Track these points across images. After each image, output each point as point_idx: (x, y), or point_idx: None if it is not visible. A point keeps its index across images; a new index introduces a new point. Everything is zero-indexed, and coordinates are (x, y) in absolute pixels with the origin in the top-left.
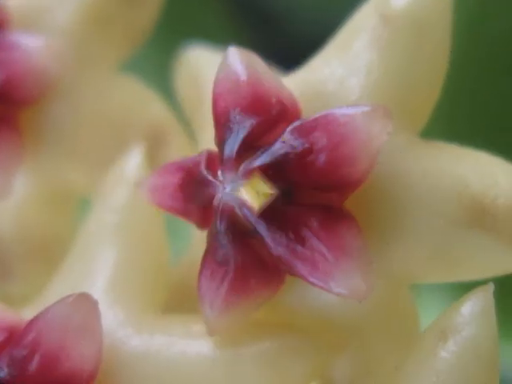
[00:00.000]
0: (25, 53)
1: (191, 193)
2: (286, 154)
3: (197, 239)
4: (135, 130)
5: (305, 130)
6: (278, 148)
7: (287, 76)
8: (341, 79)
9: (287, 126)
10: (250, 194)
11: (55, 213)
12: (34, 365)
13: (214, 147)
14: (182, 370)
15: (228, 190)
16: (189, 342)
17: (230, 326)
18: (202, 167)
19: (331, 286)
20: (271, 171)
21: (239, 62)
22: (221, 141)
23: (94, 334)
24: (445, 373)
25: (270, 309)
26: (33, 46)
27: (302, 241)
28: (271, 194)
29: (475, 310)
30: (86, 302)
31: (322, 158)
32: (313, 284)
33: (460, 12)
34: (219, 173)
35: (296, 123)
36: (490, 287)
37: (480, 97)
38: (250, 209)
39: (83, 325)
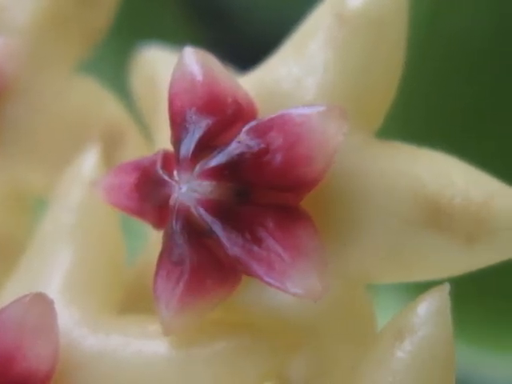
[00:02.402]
0: None
1: (147, 192)
2: (241, 154)
3: (153, 239)
4: (92, 130)
5: (261, 130)
6: (233, 148)
7: (243, 76)
8: (297, 79)
9: (243, 126)
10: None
11: (11, 213)
12: None
13: (170, 147)
14: (137, 369)
15: (184, 189)
16: (145, 342)
17: (186, 326)
18: (158, 167)
19: (287, 286)
20: (227, 171)
21: (195, 61)
22: (177, 140)
23: (50, 334)
24: (401, 373)
25: (226, 309)
26: None
27: (258, 241)
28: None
29: (431, 309)
30: (41, 301)
31: (278, 157)
32: (269, 284)
33: (415, 12)
34: (175, 173)
35: (252, 123)
36: (446, 287)
37: (435, 97)
38: (205, 209)
39: (39, 325)
